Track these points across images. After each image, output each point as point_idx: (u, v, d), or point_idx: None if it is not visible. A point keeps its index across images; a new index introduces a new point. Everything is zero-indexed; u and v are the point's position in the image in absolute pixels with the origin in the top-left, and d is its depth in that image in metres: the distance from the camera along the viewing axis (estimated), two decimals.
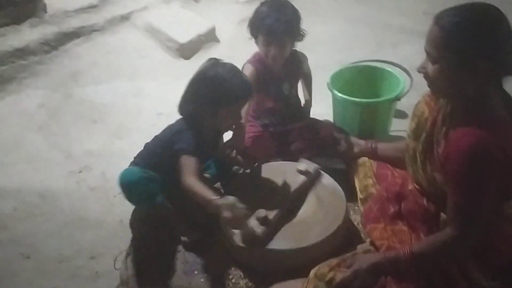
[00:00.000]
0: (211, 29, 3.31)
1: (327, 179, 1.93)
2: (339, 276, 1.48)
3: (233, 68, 1.74)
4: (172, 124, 1.81)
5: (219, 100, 1.68)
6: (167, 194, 1.80)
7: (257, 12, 2.04)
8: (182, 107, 1.77)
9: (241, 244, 1.66)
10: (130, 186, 1.74)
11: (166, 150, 1.76)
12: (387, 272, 1.48)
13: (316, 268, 1.54)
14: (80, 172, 2.37)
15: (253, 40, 2.13)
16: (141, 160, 1.85)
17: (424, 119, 1.56)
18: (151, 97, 2.86)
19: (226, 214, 1.53)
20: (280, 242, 1.66)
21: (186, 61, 3.22)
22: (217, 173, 2.02)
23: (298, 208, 1.82)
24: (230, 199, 1.54)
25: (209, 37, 3.32)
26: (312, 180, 1.88)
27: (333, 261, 1.58)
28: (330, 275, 1.50)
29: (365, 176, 1.92)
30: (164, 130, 1.83)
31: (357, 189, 1.94)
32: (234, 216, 1.53)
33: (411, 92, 2.24)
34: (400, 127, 2.38)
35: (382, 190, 1.77)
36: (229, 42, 3.38)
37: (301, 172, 1.85)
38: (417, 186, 1.65)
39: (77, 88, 2.94)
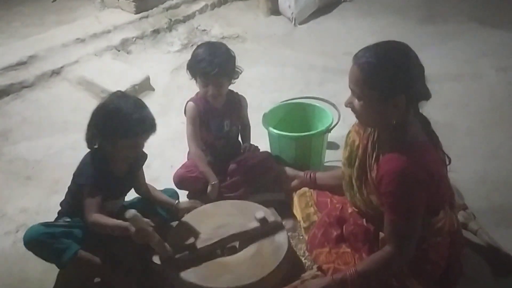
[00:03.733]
0: (145, 79, 3.36)
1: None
2: None
3: (136, 102, 1.77)
4: (81, 159, 1.82)
5: (117, 131, 1.70)
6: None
7: (193, 55, 2.15)
8: (88, 139, 1.79)
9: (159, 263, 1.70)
10: (31, 244, 1.73)
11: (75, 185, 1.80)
12: None
13: None
14: (17, 231, 2.26)
15: (187, 86, 2.24)
16: (64, 204, 1.87)
17: (355, 147, 1.68)
18: (87, 149, 2.81)
19: (132, 227, 1.57)
20: (242, 278, 1.68)
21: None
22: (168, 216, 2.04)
23: (238, 247, 1.85)
24: (131, 211, 1.57)
25: (144, 87, 3.35)
26: (267, 230, 1.86)
27: None
28: None
29: (307, 206, 2.01)
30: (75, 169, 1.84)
31: (300, 219, 2.02)
32: (139, 227, 1.58)
33: (340, 124, 2.38)
34: (333, 158, 2.51)
35: (324, 216, 1.86)
36: (164, 90, 3.44)
37: (258, 219, 1.85)
38: (355, 209, 1.76)
39: (7, 146, 2.83)
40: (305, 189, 2.08)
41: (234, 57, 2.18)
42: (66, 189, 2.47)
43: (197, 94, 2.25)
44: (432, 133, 1.59)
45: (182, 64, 3.78)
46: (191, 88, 2.26)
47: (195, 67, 2.12)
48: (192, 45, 3.99)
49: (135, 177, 1.93)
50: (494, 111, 2.96)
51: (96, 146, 1.79)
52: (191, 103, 2.22)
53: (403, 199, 1.47)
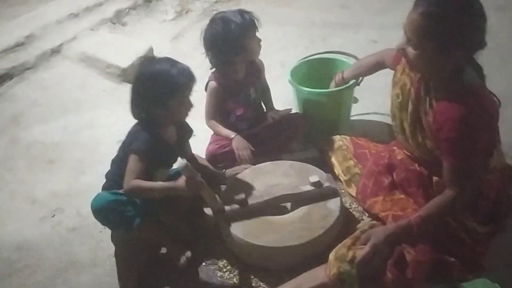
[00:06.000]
0: (149, 50, 3.25)
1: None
2: (359, 253, 1.55)
3: (167, 60, 1.77)
4: (130, 129, 1.80)
5: (166, 93, 1.69)
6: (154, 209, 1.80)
7: (221, 35, 2.04)
8: (135, 113, 1.78)
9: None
10: (101, 211, 1.71)
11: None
12: (402, 239, 1.57)
13: (334, 251, 1.60)
14: (53, 216, 2.22)
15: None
16: (111, 176, 1.81)
17: (407, 90, 1.67)
18: (105, 126, 2.75)
19: (185, 176, 1.57)
20: (287, 238, 1.70)
21: (131, 84, 3.13)
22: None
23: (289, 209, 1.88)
24: (183, 161, 1.58)
25: None
26: (321, 194, 1.85)
27: (348, 241, 1.64)
28: (350, 254, 1.56)
29: (345, 159, 2.02)
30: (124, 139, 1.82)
31: (339, 172, 2.03)
32: (191, 176, 1.58)
33: None
34: (354, 112, 2.50)
35: (372, 165, 1.87)
36: None
37: (311, 183, 1.86)
38: (407, 153, 1.78)
39: (22, 131, 2.74)
40: (340, 143, 2.09)
41: None
42: (93, 167, 2.46)
43: (213, 73, 2.19)
44: (484, 78, 1.59)
45: (180, 32, 3.69)
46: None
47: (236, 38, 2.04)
48: (186, 12, 3.88)
49: (184, 147, 1.92)
50: (493, 51, 2.94)
51: (143, 116, 1.77)
52: (213, 83, 2.16)
53: (466, 144, 1.47)
